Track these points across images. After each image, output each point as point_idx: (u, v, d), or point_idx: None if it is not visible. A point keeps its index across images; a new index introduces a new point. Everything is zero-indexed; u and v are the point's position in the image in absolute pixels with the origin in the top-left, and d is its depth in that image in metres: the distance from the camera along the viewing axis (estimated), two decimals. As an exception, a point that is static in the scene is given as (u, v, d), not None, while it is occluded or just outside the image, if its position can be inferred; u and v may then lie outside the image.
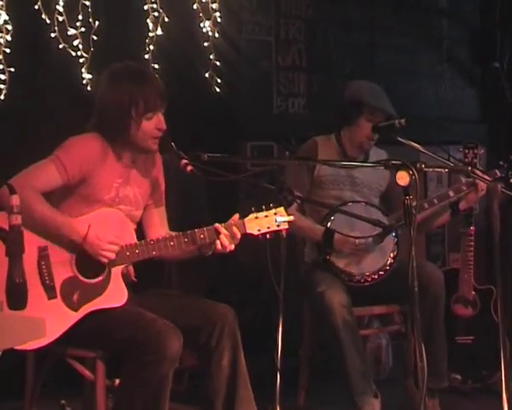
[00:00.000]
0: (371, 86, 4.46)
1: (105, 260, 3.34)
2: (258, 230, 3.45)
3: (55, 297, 3.32)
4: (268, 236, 3.46)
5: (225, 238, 3.43)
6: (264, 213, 3.46)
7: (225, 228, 3.45)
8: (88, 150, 3.45)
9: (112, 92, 3.47)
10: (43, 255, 3.32)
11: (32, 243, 3.25)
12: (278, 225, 3.45)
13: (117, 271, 3.42)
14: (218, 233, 3.44)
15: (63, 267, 3.35)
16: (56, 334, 3.27)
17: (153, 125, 3.48)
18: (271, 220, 3.45)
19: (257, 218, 3.46)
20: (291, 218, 3.48)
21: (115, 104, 3.44)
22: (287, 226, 3.46)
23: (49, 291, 3.31)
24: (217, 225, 3.45)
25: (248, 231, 3.46)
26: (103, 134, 3.49)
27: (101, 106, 3.51)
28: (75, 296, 3.35)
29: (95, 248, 3.31)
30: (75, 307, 3.34)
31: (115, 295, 3.41)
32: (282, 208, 3.46)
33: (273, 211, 3.46)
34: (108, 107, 3.47)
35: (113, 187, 3.51)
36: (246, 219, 3.46)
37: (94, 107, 3.54)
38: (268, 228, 3.45)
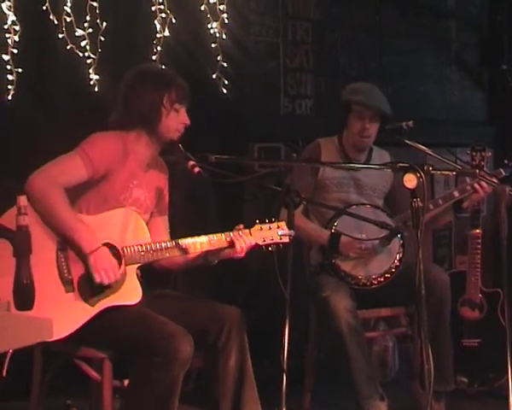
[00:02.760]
0: (358, 85, 4.48)
1: (97, 279, 3.31)
2: (263, 240, 3.57)
3: (73, 291, 3.32)
4: (270, 248, 3.58)
5: (242, 242, 3.50)
6: (268, 225, 3.59)
7: (235, 236, 3.52)
8: (113, 147, 3.50)
9: (144, 87, 3.56)
10: (61, 248, 3.32)
11: (51, 236, 3.27)
12: (280, 238, 3.57)
13: (132, 269, 3.45)
14: (230, 241, 3.50)
15: (81, 262, 3.36)
16: (73, 327, 3.25)
17: (179, 118, 3.59)
18: (274, 233, 3.58)
19: (261, 229, 3.59)
20: (292, 232, 3.56)
21: (148, 94, 3.54)
22: (288, 240, 3.57)
23: (67, 284, 3.31)
24: (229, 233, 3.52)
25: (254, 241, 3.55)
26: (128, 130, 3.55)
27: (130, 99, 3.57)
28: (92, 292, 3.36)
29: (96, 265, 3.30)
30: (92, 302, 3.35)
31: (130, 292, 3.43)
32: (283, 223, 3.60)
33: (276, 224, 3.60)
34: (140, 98, 3.55)
35: (128, 187, 3.55)
36: (252, 229, 3.57)
37: (118, 102, 3.60)
38: (271, 239, 3.57)
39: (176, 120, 3.58)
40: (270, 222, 3.59)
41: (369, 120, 4.36)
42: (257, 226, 3.57)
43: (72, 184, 3.38)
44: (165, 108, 3.54)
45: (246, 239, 3.52)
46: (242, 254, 3.52)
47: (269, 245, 3.56)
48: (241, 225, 3.55)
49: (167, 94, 3.54)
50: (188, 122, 3.60)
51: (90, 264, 3.30)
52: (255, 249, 3.56)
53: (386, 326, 5.03)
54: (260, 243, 3.55)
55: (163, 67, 3.78)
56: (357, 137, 4.42)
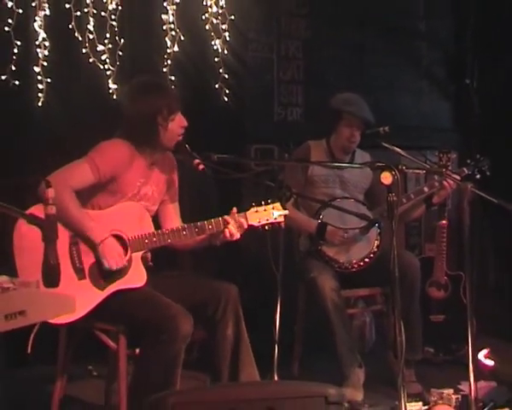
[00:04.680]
0: (348, 96, 4.46)
1: (106, 266, 3.33)
2: (258, 221, 3.51)
3: (84, 278, 3.35)
4: (267, 227, 3.52)
5: (233, 228, 3.46)
6: (264, 207, 3.52)
7: (231, 218, 3.49)
8: (119, 153, 3.49)
9: (137, 105, 3.51)
10: (74, 242, 3.36)
11: (64, 231, 3.29)
12: (275, 218, 3.51)
13: (137, 256, 3.46)
14: (226, 223, 3.47)
15: (91, 253, 3.37)
16: (85, 310, 3.30)
17: (176, 124, 3.53)
18: (269, 214, 3.51)
19: (257, 211, 3.52)
20: (286, 212, 3.53)
21: (143, 116, 3.48)
22: (283, 219, 3.51)
23: (79, 273, 3.34)
24: (225, 216, 3.48)
25: (250, 222, 3.52)
26: (132, 140, 3.52)
27: (130, 117, 3.54)
28: (101, 278, 3.37)
29: (104, 253, 3.33)
30: (101, 287, 3.37)
31: (136, 277, 3.44)
32: (278, 204, 3.53)
33: (271, 206, 3.53)
34: (137, 118, 3.50)
35: (136, 186, 3.55)
36: (247, 212, 3.52)
37: (122, 116, 3.57)
38: (267, 220, 3.51)
39: (175, 128, 3.52)
40: (266, 204, 3.52)
41: (356, 128, 4.37)
42: (252, 209, 3.51)
43: (81, 187, 3.39)
44: (161, 126, 3.49)
45: (233, 228, 3.47)
46: (233, 239, 3.49)
47: (265, 225, 3.51)
48: (235, 209, 3.51)
49: (160, 114, 3.47)
50: (185, 123, 3.54)
51: (99, 253, 3.32)
52: (253, 231, 3.52)
53: (364, 304, 5.03)
54: (256, 224, 3.50)
55: (152, 78, 3.67)
56: (345, 142, 4.42)
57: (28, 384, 4.25)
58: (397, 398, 3.28)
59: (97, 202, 3.50)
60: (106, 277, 3.36)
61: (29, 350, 3.23)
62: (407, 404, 3.31)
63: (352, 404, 3.84)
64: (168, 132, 3.51)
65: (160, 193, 3.69)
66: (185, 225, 3.51)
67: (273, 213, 3.51)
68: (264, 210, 3.52)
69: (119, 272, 3.38)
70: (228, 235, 3.48)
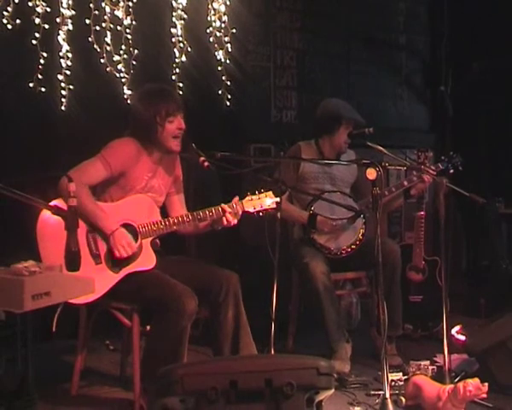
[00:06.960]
0: (343, 102, 4.45)
1: (117, 254, 3.34)
2: (254, 208, 3.54)
3: (101, 263, 3.35)
4: (261, 213, 3.55)
5: (229, 215, 3.49)
6: (258, 196, 3.56)
7: (229, 207, 3.51)
8: (127, 150, 3.50)
9: (141, 107, 3.52)
10: (90, 230, 3.36)
11: (82, 222, 3.28)
12: (269, 205, 3.55)
13: (147, 242, 3.47)
14: (223, 211, 3.48)
15: (106, 240, 3.37)
16: (103, 291, 3.31)
17: (174, 126, 3.53)
18: (263, 201, 3.55)
19: (252, 200, 3.56)
20: (277, 199, 3.57)
21: (144, 116, 3.49)
22: (275, 206, 3.54)
23: (96, 258, 3.34)
24: (222, 205, 3.51)
25: (246, 209, 3.55)
26: (138, 138, 3.54)
27: (135, 118, 3.56)
28: (115, 262, 3.36)
29: (115, 243, 3.33)
30: (116, 270, 3.38)
31: (146, 260, 3.45)
32: (270, 192, 3.57)
33: (264, 194, 3.57)
34: (140, 118, 3.52)
35: (144, 179, 3.56)
36: (243, 200, 3.55)
37: (129, 118, 3.60)
38: (261, 207, 3.55)
39: (171, 128, 3.52)
40: (260, 193, 3.56)
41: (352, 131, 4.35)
42: (248, 197, 3.55)
43: (95, 181, 3.41)
44: (159, 125, 3.50)
45: (229, 216, 3.50)
46: (231, 225, 3.51)
47: (259, 212, 3.54)
48: (236, 198, 3.55)
49: (158, 114, 3.49)
50: (182, 126, 3.55)
51: (111, 243, 3.34)
52: (251, 219, 3.56)
53: (351, 286, 5.01)
54: (251, 211, 3.53)
55: (157, 85, 3.69)
56: (343, 144, 4.39)
57: (53, 357, 4.24)
58: (380, 369, 3.29)
59: (110, 195, 3.51)
60: (118, 262, 3.37)
61: (54, 328, 3.23)
62: (389, 374, 3.31)
63: (341, 375, 3.84)
64: (165, 132, 3.51)
65: (166, 186, 3.70)
66: (189, 214, 3.54)
67: (266, 200, 3.55)
68: (258, 198, 3.55)
69: (131, 258, 3.38)
70: (225, 222, 3.50)
